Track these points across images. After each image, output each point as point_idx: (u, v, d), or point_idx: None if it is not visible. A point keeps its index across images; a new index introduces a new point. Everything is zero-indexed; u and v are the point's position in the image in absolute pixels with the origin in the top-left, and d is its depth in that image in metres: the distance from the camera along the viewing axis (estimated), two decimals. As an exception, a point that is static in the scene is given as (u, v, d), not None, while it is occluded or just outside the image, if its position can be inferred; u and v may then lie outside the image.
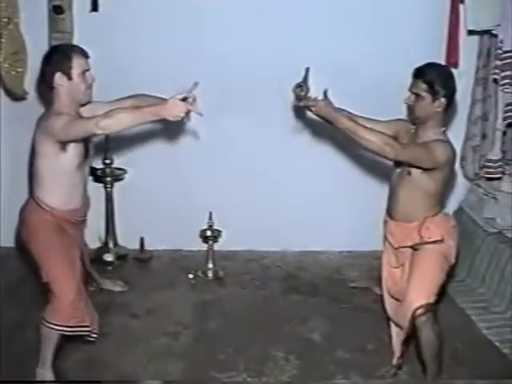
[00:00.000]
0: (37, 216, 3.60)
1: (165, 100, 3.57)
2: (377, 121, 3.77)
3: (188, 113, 3.41)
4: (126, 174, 5.13)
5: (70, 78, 3.48)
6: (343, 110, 3.69)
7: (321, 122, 4.62)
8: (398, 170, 3.55)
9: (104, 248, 5.14)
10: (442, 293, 3.59)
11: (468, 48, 4.92)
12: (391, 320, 3.74)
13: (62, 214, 3.62)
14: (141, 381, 3.42)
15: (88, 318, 3.60)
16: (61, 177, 3.56)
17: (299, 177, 5.12)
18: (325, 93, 3.51)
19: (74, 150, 3.50)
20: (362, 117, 3.79)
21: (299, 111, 4.93)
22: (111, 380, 3.72)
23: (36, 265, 3.63)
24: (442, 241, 3.48)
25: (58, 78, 3.48)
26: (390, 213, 3.68)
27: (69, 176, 3.57)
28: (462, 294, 4.60)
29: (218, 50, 4.91)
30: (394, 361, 3.65)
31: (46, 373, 3.58)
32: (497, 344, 4.10)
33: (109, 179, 5.05)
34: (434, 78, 3.42)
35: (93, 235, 5.05)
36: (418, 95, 3.43)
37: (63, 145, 3.44)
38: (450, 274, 3.67)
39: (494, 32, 4.65)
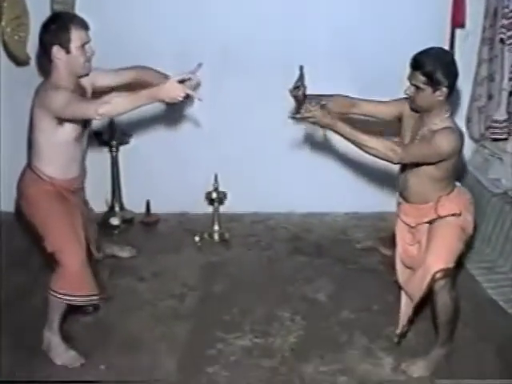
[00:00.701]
0: (36, 187, 3.56)
1: (164, 77, 3.56)
2: (379, 101, 3.71)
3: (187, 97, 3.32)
4: (131, 138, 5.11)
5: (68, 51, 3.40)
6: (339, 95, 3.68)
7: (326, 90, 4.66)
8: None
9: (110, 212, 5.13)
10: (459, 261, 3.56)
11: (474, 8, 4.83)
12: (403, 290, 3.69)
13: (61, 182, 3.59)
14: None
15: (95, 286, 3.57)
16: (59, 148, 3.53)
17: (304, 141, 5.07)
18: (301, 69, 3.49)
19: (71, 123, 3.46)
20: (363, 99, 3.75)
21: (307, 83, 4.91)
22: (117, 343, 3.73)
23: (39, 236, 3.60)
24: (459, 214, 3.43)
25: (56, 51, 3.40)
26: (402, 196, 3.61)
27: (67, 148, 3.54)
28: (468, 255, 4.54)
29: (219, 16, 4.86)
30: (399, 329, 3.61)
31: (53, 336, 3.58)
32: (501, 303, 4.09)
33: (114, 143, 5.02)
34: (433, 70, 3.26)
35: (99, 199, 5.05)
36: (417, 87, 3.31)
37: (60, 120, 3.40)
38: (469, 244, 3.63)
39: (501, -10, 4.57)
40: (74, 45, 3.39)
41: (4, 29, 4.52)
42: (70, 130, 3.46)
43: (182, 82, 3.32)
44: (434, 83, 3.26)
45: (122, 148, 5.11)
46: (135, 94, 3.30)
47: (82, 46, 3.43)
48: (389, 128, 3.73)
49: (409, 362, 3.52)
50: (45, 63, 3.58)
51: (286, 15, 4.86)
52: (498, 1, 4.66)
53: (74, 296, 3.48)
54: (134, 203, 5.24)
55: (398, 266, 3.72)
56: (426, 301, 3.49)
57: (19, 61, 4.77)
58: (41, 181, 3.54)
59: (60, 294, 3.46)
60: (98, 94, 3.72)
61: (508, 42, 4.48)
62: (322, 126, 3.35)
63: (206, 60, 4.75)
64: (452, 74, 3.32)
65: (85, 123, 3.58)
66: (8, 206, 5.03)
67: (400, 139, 3.57)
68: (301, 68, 3.60)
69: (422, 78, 3.27)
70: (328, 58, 4.89)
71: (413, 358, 3.54)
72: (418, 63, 3.30)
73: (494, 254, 4.59)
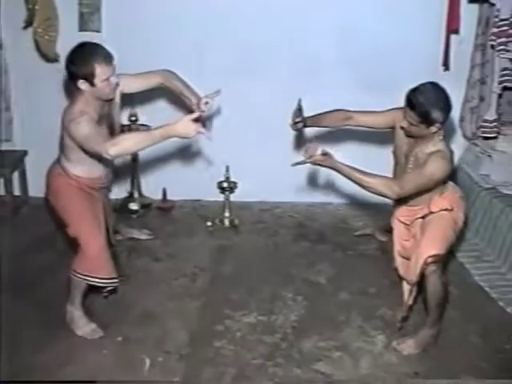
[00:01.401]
0: (61, 180, 3.58)
1: (188, 90, 3.65)
2: (374, 112, 3.75)
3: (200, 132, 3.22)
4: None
5: (92, 84, 3.33)
6: (336, 110, 3.84)
7: (330, 84, 4.67)
8: (402, 163, 3.53)
9: (130, 198, 5.15)
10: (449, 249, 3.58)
11: (468, 16, 4.80)
12: (403, 279, 3.71)
13: (86, 181, 3.60)
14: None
15: (113, 270, 3.59)
16: (85, 158, 3.49)
17: (310, 134, 5.03)
18: (299, 103, 3.62)
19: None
20: (358, 111, 3.79)
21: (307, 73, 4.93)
22: (135, 319, 3.77)
23: (62, 222, 3.64)
24: (451, 210, 3.46)
25: (81, 84, 3.34)
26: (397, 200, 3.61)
27: (93, 156, 3.49)
28: (457, 244, 4.55)
29: (235, 19, 4.85)
30: (399, 315, 3.63)
31: (75, 311, 3.62)
32: (487, 289, 4.09)
33: (134, 134, 5.03)
34: (427, 111, 3.23)
35: (121, 187, 5.10)
36: (411, 123, 3.32)
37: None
38: (460, 237, 3.65)
39: (491, 1, 4.52)
40: (99, 79, 3.32)
41: (36, 29, 4.55)
42: None
43: (196, 120, 3.25)
44: (428, 121, 3.25)
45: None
46: (147, 134, 3.26)
47: (107, 79, 3.36)
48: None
49: (399, 340, 3.54)
50: (72, 88, 3.52)
51: (295, 19, 4.86)
52: (490, 10, 4.66)
53: (93, 277, 3.51)
54: (151, 190, 5.25)
55: (398, 260, 3.74)
56: (422, 286, 3.50)
57: (49, 58, 4.78)
58: (67, 177, 3.56)
59: (80, 274, 3.51)
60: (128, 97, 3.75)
61: (497, 49, 4.46)
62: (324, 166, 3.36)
63: (223, 60, 4.85)
64: (446, 111, 3.29)
65: (112, 129, 3.59)
66: (36, 192, 5.10)
67: (394, 149, 3.60)
68: (299, 101, 3.69)
69: (417, 118, 3.26)
70: (332, 64, 4.93)
71: (403, 337, 3.57)
72: (412, 104, 3.27)
73: (482, 243, 4.58)
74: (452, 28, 4.73)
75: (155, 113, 5.03)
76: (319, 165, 3.35)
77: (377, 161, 4.28)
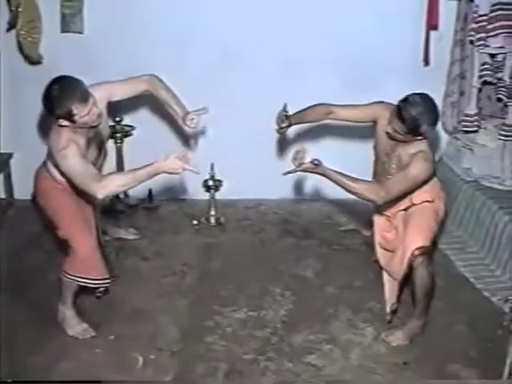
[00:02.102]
0: (48, 183, 3.58)
1: (174, 101, 3.71)
2: (355, 106, 3.79)
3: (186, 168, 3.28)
4: (135, 131, 5.12)
5: (73, 121, 3.28)
6: (318, 104, 3.88)
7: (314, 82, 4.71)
8: (383, 161, 3.59)
9: (116, 198, 5.13)
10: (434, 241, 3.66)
11: (447, 12, 4.86)
12: (386, 272, 3.78)
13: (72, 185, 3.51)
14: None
15: (104, 271, 3.61)
16: None
17: (293, 132, 5.09)
18: (284, 108, 3.68)
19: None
20: (340, 105, 3.84)
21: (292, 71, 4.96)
22: (124, 318, 3.79)
23: (52, 224, 3.64)
24: (432, 201, 3.53)
25: (61, 122, 3.29)
26: None
27: None
28: (441, 236, 4.61)
29: (218, 17, 4.86)
30: (388, 308, 3.68)
31: (67, 311, 3.63)
32: (472, 280, 4.17)
33: (119, 135, 5.04)
34: (417, 125, 3.29)
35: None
36: (398, 132, 3.37)
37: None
38: (442, 228, 3.72)
39: (470, -3, 4.62)
40: (78, 117, 3.27)
41: (19, 31, 4.53)
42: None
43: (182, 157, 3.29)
44: (416, 134, 3.32)
45: (126, 139, 5.12)
46: (135, 173, 3.23)
47: (88, 114, 3.30)
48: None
49: (388, 332, 3.61)
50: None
51: (284, 17, 4.87)
52: (468, 6, 4.73)
53: (84, 278, 3.53)
54: (137, 190, 5.17)
55: (379, 251, 3.80)
56: (409, 278, 3.56)
57: (32, 60, 4.77)
58: (53, 180, 3.55)
59: (71, 275, 3.52)
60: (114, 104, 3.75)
61: (477, 44, 4.52)
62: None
63: (207, 58, 4.86)
64: (434, 123, 3.38)
65: (100, 149, 3.62)
66: (22, 194, 5.11)
67: (375, 144, 3.66)
68: (284, 106, 3.77)
69: (405, 130, 3.32)
70: (315, 62, 4.95)
71: (391, 328, 3.63)
72: (402, 117, 3.29)
73: (465, 235, 4.66)
74: (431, 24, 4.79)
75: (140, 113, 5.07)
76: (309, 171, 3.40)
77: (357, 156, 4.40)
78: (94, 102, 3.35)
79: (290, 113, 3.87)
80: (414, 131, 3.31)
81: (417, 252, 3.40)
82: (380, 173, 3.69)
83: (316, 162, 3.33)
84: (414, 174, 3.33)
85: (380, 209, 3.76)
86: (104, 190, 3.18)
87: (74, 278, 3.52)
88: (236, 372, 3.35)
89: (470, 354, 3.49)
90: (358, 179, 3.35)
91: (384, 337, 3.58)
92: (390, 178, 3.47)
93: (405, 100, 3.33)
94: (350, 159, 4.62)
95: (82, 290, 3.66)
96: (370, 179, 3.75)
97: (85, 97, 3.29)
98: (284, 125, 3.84)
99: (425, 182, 3.46)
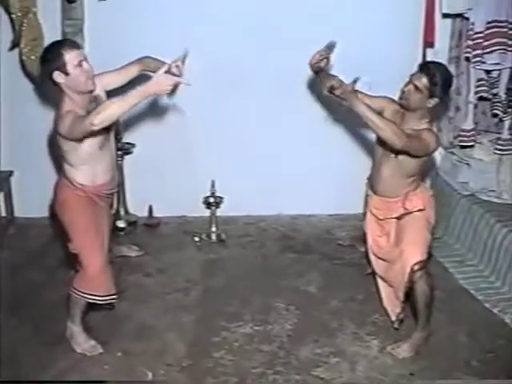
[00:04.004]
0: (68, 191, 3.57)
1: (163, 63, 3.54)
2: (364, 94, 3.76)
3: (176, 87, 3.34)
4: (135, 148, 5.20)
5: (66, 73, 3.34)
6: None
7: (311, 99, 4.80)
8: (384, 151, 3.62)
9: (116, 215, 5.17)
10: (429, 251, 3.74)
11: (442, 29, 5.01)
12: (380, 278, 3.88)
13: (92, 189, 3.58)
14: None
15: (113, 286, 3.64)
16: (86, 159, 3.50)
17: (292, 150, 5.22)
18: (355, 81, 3.45)
19: (91, 137, 3.43)
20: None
21: (295, 91, 5.06)
22: (130, 332, 3.85)
23: (65, 236, 3.66)
24: (423, 209, 3.62)
25: (57, 76, 3.35)
26: (373, 189, 3.77)
27: (93, 156, 3.52)
28: (440, 250, 4.74)
29: (220, 39, 4.94)
30: (393, 317, 3.78)
31: (75, 327, 3.67)
32: (472, 292, 4.26)
33: (119, 153, 5.04)
34: (436, 79, 3.42)
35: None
36: (416, 87, 3.45)
37: (79, 139, 3.41)
38: (432, 233, 3.79)
39: (465, 15, 4.74)
40: (71, 65, 3.34)
41: (22, 49, 4.61)
42: (91, 143, 3.45)
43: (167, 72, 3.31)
44: (432, 90, 3.42)
45: (126, 157, 5.20)
46: (127, 97, 3.24)
47: (79, 64, 3.37)
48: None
49: (394, 345, 3.68)
50: (54, 93, 3.54)
51: (275, 34, 4.97)
52: (463, 24, 4.87)
53: (92, 295, 3.56)
54: (137, 207, 5.33)
55: (372, 258, 3.89)
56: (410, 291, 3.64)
57: (35, 78, 4.82)
58: (73, 187, 3.56)
59: (80, 292, 3.55)
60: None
61: (473, 61, 4.65)
62: (343, 100, 3.43)
63: (207, 75, 4.94)
64: (448, 89, 3.54)
65: (107, 131, 3.59)
66: (22, 212, 5.18)
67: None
68: (334, 43, 3.74)
69: (425, 81, 3.42)
70: (313, 79, 5.02)
71: (396, 341, 3.70)
72: (426, 67, 3.49)
73: (463, 249, 4.76)
74: (428, 41, 4.93)
75: (139, 131, 5.16)
76: (343, 97, 3.43)
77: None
78: (85, 56, 3.45)
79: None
80: (432, 83, 3.42)
81: (416, 267, 3.49)
82: (377, 163, 3.76)
83: (356, 81, 3.41)
84: (425, 138, 3.43)
85: (371, 204, 3.82)
86: (99, 114, 3.18)
87: (83, 295, 3.56)
88: (246, 386, 3.42)
89: (472, 363, 3.56)
90: (384, 118, 3.39)
91: (390, 350, 3.66)
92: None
93: (435, 62, 3.66)
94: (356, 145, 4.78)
95: (90, 306, 3.71)
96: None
97: (74, 44, 3.47)
98: (324, 55, 3.79)
99: (421, 171, 3.58)
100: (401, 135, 3.33)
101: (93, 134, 3.35)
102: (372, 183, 3.78)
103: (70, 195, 3.58)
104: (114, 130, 3.78)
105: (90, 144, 3.45)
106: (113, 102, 3.33)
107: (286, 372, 3.51)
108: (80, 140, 3.39)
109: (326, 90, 3.58)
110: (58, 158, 3.67)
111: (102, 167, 3.62)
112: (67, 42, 3.55)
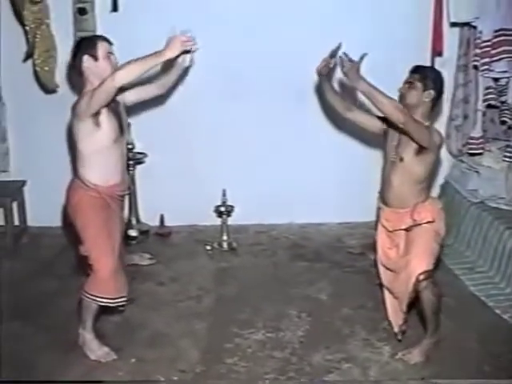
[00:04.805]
0: (82, 193, 3.63)
1: None
2: (372, 115, 3.94)
3: (187, 51, 3.65)
4: (147, 158, 5.27)
5: (96, 58, 3.54)
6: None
7: (322, 108, 4.86)
8: (391, 159, 3.69)
9: (128, 224, 5.23)
10: (437, 261, 3.77)
11: (450, 38, 5.08)
12: (387, 290, 3.91)
13: (105, 189, 3.64)
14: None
15: (125, 289, 3.70)
16: (100, 153, 3.58)
17: (302, 159, 5.30)
18: (362, 57, 3.57)
19: (108, 124, 3.54)
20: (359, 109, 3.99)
21: (307, 100, 5.13)
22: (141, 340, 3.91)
23: (77, 239, 3.71)
24: (433, 221, 3.65)
25: (86, 60, 3.53)
26: (384, 201, 3.82)
27: (108, 152, 3.60)
28: (450, 257, 4.79)
29: (230, 46, 5.02)
30: (396, 328, 3.81)
31: (86, 334, 3.70)
32: (483, 298, 4.29)
33: (131, 162, 5.15)
34: (427, 73, 3.61)
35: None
36: (411, 84, 3.58)
37: (96, 120, 3.50)
38: (442, 244, 3.84)
39: (473, 24, 4.82)
40: (101, 53, 3.55)
41: (36, 60, 4.72)
42: (107, 130, 3.55)
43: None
44: (425, 83, 3.56)
45: (138, 167, 5.28)
46: (143, 58, 3.45)
47: (108, 55, 3.58)
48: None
49: (405, 351, 3.71)
50: (78, 83, 3.73)
51: (283, 42, 5.04)
52: (470, 32, 4.94)
53: (103, 298, 3.61)
54: (149, 216, 5.40)
55: (380, 269, 3.94)
56: (415, 299, 3.67)
57: (48, 89, 4.96)
58: (86, 188, 3.62)
59: (91, 295, 3.60)
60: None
61: (481, 69, 4.73)
62: (348, 78, 3.53)
63: (215, 85, 5.02)
64: (439, 83, 3.63)
65: (121, 127, 3.68)
66: (35, 221, 5.27)
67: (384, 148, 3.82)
68: (339, 45, 3.81)
69: (417, 76, 3.58)
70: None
71: (407, 347, 3.74)
72: (416, 68, 3.66)
73: (473, 255, 4.80)
74: (437, 50, 5.01)
75: (151, 141, 5.21)
76: (347, 75, 3.54)
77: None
78: (113, 53, 3.67)
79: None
80: (423, 76, 3.58)
81: (421, 277, 3.53)
82: (386, 174, 3.82)
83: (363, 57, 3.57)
84: (428, 129, 3.54)
85: (382, 217, 3.87)
86: (120, 70, 3.39)
87: (94, 298, 3.61)
88: (259, 391, 3.46)
89: (483, 368, 3.59)
90: (387, 95, 3.46)
91: (401, 356, 3.69)
92: None
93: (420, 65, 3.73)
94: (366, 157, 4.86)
95: (102, 312, 3.77)
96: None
97: (108, 39, 3.67)
98: (328, 61, 3.90)
99: (431, 153, 3.58)
100: (402, 109, 3.45)
101: (111, 113, 3.56)
102: (382, 195, 3.84)
103: (83, 196, 3.63)
104: (127, 133, 3.90)
105: (105, 132, 3.56)
106: (132, 61, 3.47)
107: (298, 378, 3.55)
108: (97, 121, 3.50)
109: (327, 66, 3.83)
110: (72, 160, 3.72)
111: (114, 166, 3.68)
112: (101, 35, 3.75)
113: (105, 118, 3.54)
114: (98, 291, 3.60)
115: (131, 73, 3.43)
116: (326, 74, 3.93)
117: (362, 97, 3.68)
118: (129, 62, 3.44)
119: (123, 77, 3.40)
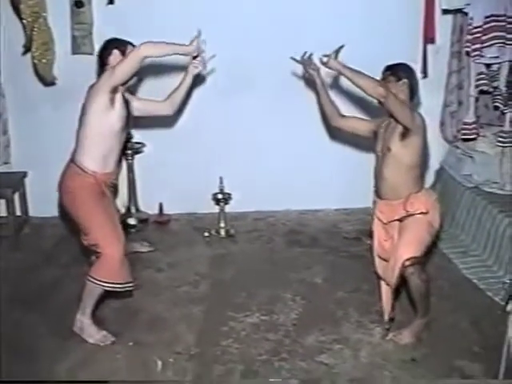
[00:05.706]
0: (80, 180, 3.68)
1: None
2: (362, 119, 4.17)
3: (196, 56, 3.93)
4: (145, 147, 5.36)
5: (123, 53, 3.75)
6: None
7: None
8: (380, 153, 3.78)
9: (127, 213, 5.38)
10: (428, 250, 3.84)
11: (443, 25, 5.13)
12: (381, 279, 3.97)
13: (102, 176, 3.71)
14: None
15: (130, 274, 3.79)
16: (104, 139, 3.67)
17: (299, 146, 5.37)
18: (338, 49, 3.69)
19: (119, 108, 3.67)
20: (350, 116, 4.13)
21: (302, 89, 5.20)
22: (142, 325, 4.01)
23: (79, 229, 3.79)
24: (426, 213, 3.71)
25: (115, 53, 3.78)
26: (377, 194, 3.89)
27: (110, 139, 3.69)
28: (445, 241, 4.87)
29: (228, 42, 4.99)
30: (386, 316, 3.88)
31: (85, 320, 3.78)
32: (475, 281, 4.37)
33: (130, 152, 5.27)
34: (396, 67, 3.74)
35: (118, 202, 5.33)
36: (385, 80, 3.69)
37: (112, 97, 3.63)
38: (437, 235, 3.93)
39: (465, 10, 4.85)
40: (128, 52, 3.73)
41: (34, 53, 4.79)
42: (118, 115, 3.68)
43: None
44: (396, 75, 3.69)
45: (136, 156, 5.37)
46: (163, 43, 3.67)
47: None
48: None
49: (395, 332, 3.81)
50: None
51: (283, 37, 5.10)
52: (463, 19, 4.99)
53: (111, 283, 3.69)
54: (148, 205, 5.50)
55: (376, 259, 4.01)
56: (403, 285, 3.76)
57: (46, 81, 5.05)
58: (84, 174, 3.68)
59: (100, 280, 3.67)
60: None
61: (472, 55, 4.77)
62: (331, 68, 3.69)
63: (216, 76, 5.09)
64: (410, 72, 3.75)
65: (127, 121, 3.80)
66: (36, 212, 5.37)
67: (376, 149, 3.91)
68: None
69: (388, 72, 3.72)
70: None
71: (399, 328, 3.83)
72: (387, 66, 3.79)
73: (467, 239, 4.87)
74: (429, 37, 5.06)
75: (150, 131, 5.30)
76: (328, 67, 3.70)
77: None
78: None
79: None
80: (394, 70, 3.73)
81: (407, 263, 3.59)
82: (378, 167, 3.90)
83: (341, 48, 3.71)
84: (410, 109, 3.63)
85: (377, 209, 3.95)
86: (143, 45, 3.60)
87: (103, 284, 3.68)
88: (252, 372, 3.54)
89: (474, 350, 3.67)
90: (369, 76, 3.59)
91: (392, 337, 3.78)
92: None
93: None
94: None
95: (102, 299, 3.86)
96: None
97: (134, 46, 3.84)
98: (311, 67, 4.07)
99: (416, 135, 3.64)
100: (383, 84, 3.58)
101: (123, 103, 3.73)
102: (376, 188, 3.91)
103: (80, 183, 3.69)
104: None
105: (116, 113, 3.68)
106: (151, 42, 3.65)
107: (291, 359, 3.63)
108: (113, 99, 3.64)
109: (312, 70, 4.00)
110: (77, 141, 3.77)
111: (112, 153, 3.77)
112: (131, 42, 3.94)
113: (118, 100, 3.67)
114: (109, 277, 3.68)
115: (155, 48, 3.66)
116: (316, 70, 4.06)
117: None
118: (151, 41, 3.63)
119: (148, 49, 3.60)
